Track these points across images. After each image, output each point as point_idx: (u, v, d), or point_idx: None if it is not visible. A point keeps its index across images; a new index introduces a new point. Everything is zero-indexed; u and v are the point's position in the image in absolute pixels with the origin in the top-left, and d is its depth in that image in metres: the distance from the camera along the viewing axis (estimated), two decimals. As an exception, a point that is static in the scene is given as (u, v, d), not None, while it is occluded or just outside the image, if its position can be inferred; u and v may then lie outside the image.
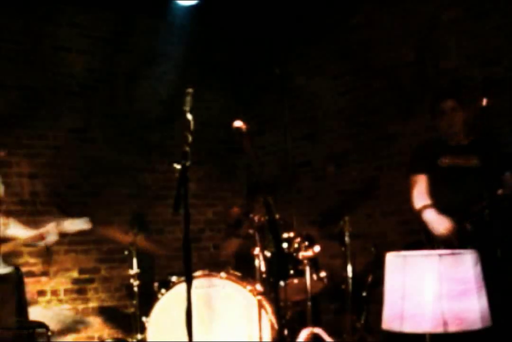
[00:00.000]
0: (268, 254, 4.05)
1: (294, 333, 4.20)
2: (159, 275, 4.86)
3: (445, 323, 2.25)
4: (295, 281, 4.12)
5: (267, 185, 4.91)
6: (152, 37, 6.22)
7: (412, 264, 2.36)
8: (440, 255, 2.36)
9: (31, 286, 5.33)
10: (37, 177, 5.54)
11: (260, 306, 3.84)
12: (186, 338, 2.54)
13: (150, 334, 3.98)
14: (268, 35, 6.45)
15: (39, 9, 5.65)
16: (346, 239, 4.48)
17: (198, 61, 6.46)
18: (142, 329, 4.44)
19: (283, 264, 4.02)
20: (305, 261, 4.13)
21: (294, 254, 4.12)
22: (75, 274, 5.64)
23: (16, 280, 3.65)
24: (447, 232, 3.76)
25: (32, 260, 5.42)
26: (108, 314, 5.72)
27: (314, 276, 4.21)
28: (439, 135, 4.16)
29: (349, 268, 4.47)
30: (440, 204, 3.93)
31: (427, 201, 3.99)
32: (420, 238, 3.99)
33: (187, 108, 2.80)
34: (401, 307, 2.32)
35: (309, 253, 4.17)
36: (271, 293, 3.84)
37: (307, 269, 4.11)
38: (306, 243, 4.19)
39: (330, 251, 5.00)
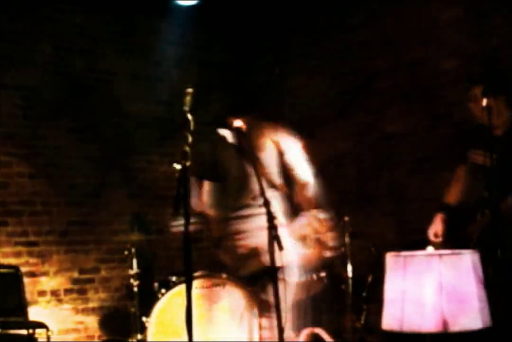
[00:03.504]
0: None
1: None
2: (159, 275, 4.85)
3: (445, 323, 2.25)
4: (295, 281, 4.12)
5: None
6: (152, 37, 6.22)
7: (412, 264, 2.35)
8: (440, 255, 2.36)
9: (31, 286, 5.33)
10: (37, 177, 5.55)
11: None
12: (186, 338, 2.54)
13: (150, 334, 3.98)
14: (268, 35, 6.45)
15: (39, 9, 5.65)
16: (346, 239, 4.48)
17: (198, 61, 6.46)
18: (142, 329, 4.44)
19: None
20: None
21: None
22: (75, 274, 5.64)
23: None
24: (432, 240, 3.81)
25: (32, 260, 5.42)
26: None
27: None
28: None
29: (349, 268, 4.47)
30: (451, 203, 3.97)
31: (447, 199, 4.01)
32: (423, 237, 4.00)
33: (187, 108, 2.80)
34: (401, 307, 2.32)
35: (309, 253, 4.17)
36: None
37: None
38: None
39: (330, 251, 4.99)
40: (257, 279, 3.50)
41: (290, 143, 3.55)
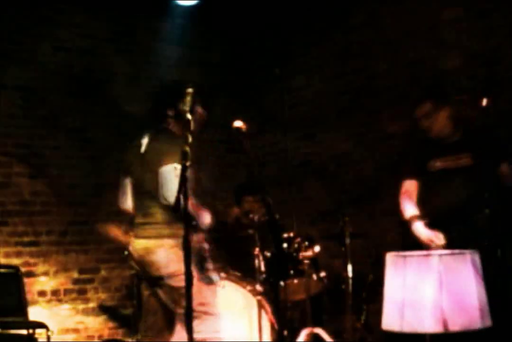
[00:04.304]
0: (268, 254, 4.05)
1: (294, 333, 4.20)
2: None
3: (445, 323, 2.25)
4: (295, 281, 4.12)
5: (255, 185, 4.94)
6: (152, 37, 6.22)
7: (412, 264, 2.35)
8: (440, 255, 2.36)
9: (31, 286, 5.33)
10: (37, 177, 5.54)
11: (260, 306, 3.84)
12: (186, 338, 2.55)
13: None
14: (268, 35, 6.45)
15: (39, 9, 5.65)
16: (346, 239, 4.48)
17: (198, 61, 6.46)
18: (142, 329, 4.44)
19: (283, 264, 4.02)
20: (305, 261, 4.13)
21: (294, 254, 4.12)
22: (75, 274, 5.64)
23: None
24: (437, 248, 3.68)
25: (32, 260, 5.42)
26: (108, 314, 5.72)
27: (314, 276, 4.21)
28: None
29: (349, 268, 4.47)
30: (432, 210, 3.79)
31: (415, 211, 3.84)
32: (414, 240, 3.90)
33: (187, 108, 2.80)
34: (401, 307, 2.32)
35: (309, 253, 4.17)
36: (271, 293, 3.84)
37: (307, 269, 4.11)
38: (306, 243, 4.20)
39: (330, 251, 5.00)
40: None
41: (170, 159, 3.34)
